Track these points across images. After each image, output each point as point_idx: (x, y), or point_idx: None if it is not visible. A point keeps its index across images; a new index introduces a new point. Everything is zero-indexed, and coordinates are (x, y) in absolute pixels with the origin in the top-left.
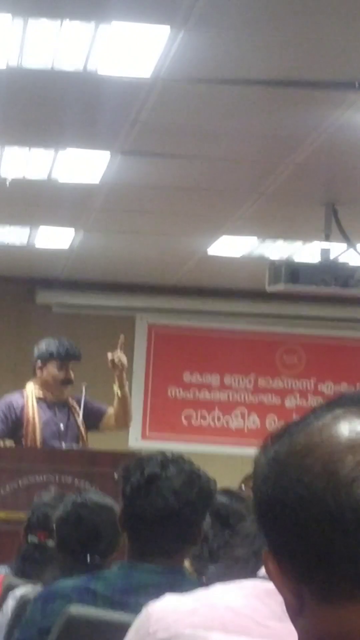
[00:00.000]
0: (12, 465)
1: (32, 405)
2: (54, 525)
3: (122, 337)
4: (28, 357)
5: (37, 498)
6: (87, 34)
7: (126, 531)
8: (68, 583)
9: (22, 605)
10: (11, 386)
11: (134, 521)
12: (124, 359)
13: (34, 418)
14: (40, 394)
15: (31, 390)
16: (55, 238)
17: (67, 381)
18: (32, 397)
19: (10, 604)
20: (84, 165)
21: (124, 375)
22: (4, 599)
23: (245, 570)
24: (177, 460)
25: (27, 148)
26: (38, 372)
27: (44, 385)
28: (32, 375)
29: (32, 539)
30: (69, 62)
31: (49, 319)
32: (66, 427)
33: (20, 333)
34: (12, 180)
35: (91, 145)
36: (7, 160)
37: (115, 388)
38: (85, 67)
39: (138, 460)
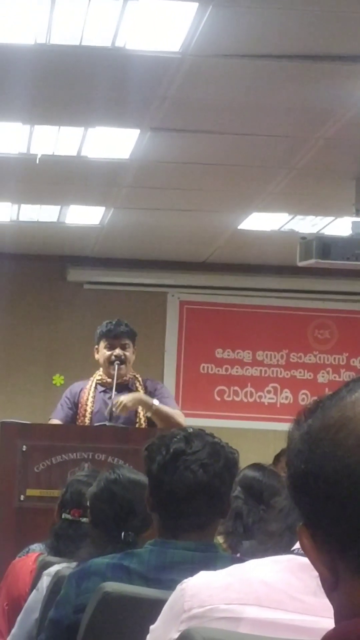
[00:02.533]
0: (45, 443)
1: (90, 388)
2: (88, 502)
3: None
4: (60, 334)
5: (71, 475)
6: (115, 11)
7: (155, 511)
8: (102, 560)
9: (57, 582)
10: (43, 362)
11: (164, 499)
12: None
13: (87, 400)
14: (100, 378)
15: (95, 375)
16: (85, 215)
17: (116, 359)
18: (93, 382)
19: (45, 581)
20: (113, 142)
21: (143, 403)
22: (38, 576)
23: (279, 545)
24: (199, 433)
25: (57, 126)
26: (96, 356)
27: (102, 368)
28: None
29: (66, 516)
30: (97, 38)
31: (80, 296)
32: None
33: (52, 311)
34: (42, 157)
35: (120, 122)
36: (37, 138)
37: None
38: (113, 42)
39: (160, 438)
